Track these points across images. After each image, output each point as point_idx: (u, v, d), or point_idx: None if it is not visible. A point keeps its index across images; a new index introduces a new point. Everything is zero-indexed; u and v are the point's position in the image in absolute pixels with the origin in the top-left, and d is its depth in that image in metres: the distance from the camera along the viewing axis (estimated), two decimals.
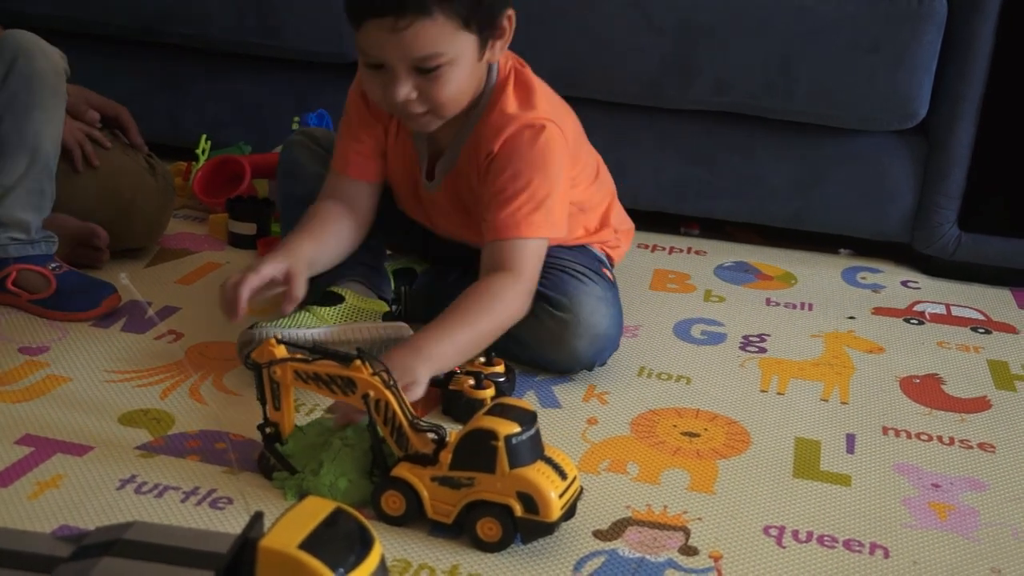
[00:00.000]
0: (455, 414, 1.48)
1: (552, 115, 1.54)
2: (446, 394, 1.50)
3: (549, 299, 1.59)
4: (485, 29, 1.44)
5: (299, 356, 1.27)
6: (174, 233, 2.11)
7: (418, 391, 1.36)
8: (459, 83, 1.45)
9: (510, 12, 1.48)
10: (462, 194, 1.60)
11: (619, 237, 1.80)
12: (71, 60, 1.77)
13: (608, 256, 1.77)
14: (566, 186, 1.57)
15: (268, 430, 1.30)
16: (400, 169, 1.65)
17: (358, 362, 1.24)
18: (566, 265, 1.63)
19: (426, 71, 1.41)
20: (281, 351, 1.28)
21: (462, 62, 1.43)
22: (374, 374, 1.23)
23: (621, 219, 1.81)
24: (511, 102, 1.53)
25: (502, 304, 1.49)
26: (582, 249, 1.71)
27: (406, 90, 1.42)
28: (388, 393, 1.22)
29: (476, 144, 1.54)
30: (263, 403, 1.30)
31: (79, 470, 1.31)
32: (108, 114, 1.97)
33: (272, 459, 1.30)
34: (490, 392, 1.46)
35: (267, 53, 2.36)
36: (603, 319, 1.60)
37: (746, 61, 2.13)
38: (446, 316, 1.46)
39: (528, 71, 1.59)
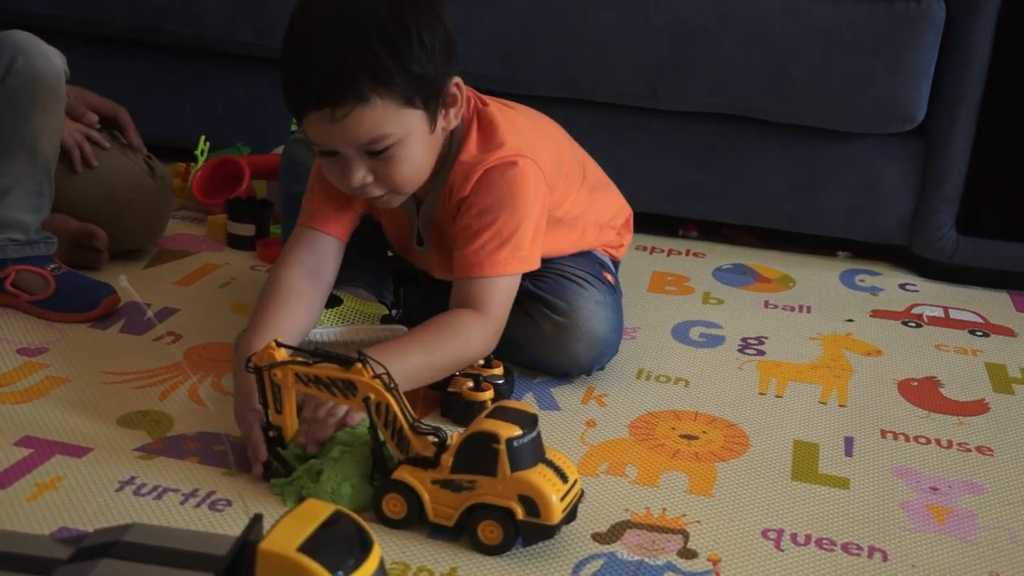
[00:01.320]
0: (454, 416, 1.48)
1: (521, 147, 1.50)
2: (445, 396, 1.50)
3: (547, 303, 1.59)
4: (431, 102, 1.39)
5: (300, 359, 1.27)
6: (173, 234, 2.11)
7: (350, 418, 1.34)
8: (414, 160, 1.41)
9: (456, 79, 1.44)
10: (448, 247, 1.56)
11: (621, 234, 1.81)
12: (69, 60, 1.77)
13: (612, 258, 1.77)
14: (541, 216, 1.52)
15: (271, 433, 1.30)
16: (394, 229, 1.65)
17: (359, 365, 1.24)
18: (565, 270, 1.63)
19: (377, 153, 1.38)
20: (282, 354, 1.28)
21: (412, 139, 1.39)
22: (375, 377, 1.23)
23: (619, 209, 1.80)
24: (474, 147, 1.50)
25: (464, 340, 1.46)
26: (584, 253, 1.71)
27: (360, 175, 1.40)
28: (389, 396, 1.22)
29: (448, 194, 1.52)
30: (265, 407, 1.30)
31: (78, 472, 1.30)
32: (106, 114, 1.97)
33: (275, 463, 1.30)
34: (489, 394, 1.47)
35: (265, 53, 2.35)
36: (601, 324, 1.60)
37: (743, 64, 2.13)
38: (405, 339, 1.45)
39: (491, 108, 1.54)
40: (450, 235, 1.55)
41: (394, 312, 1.68)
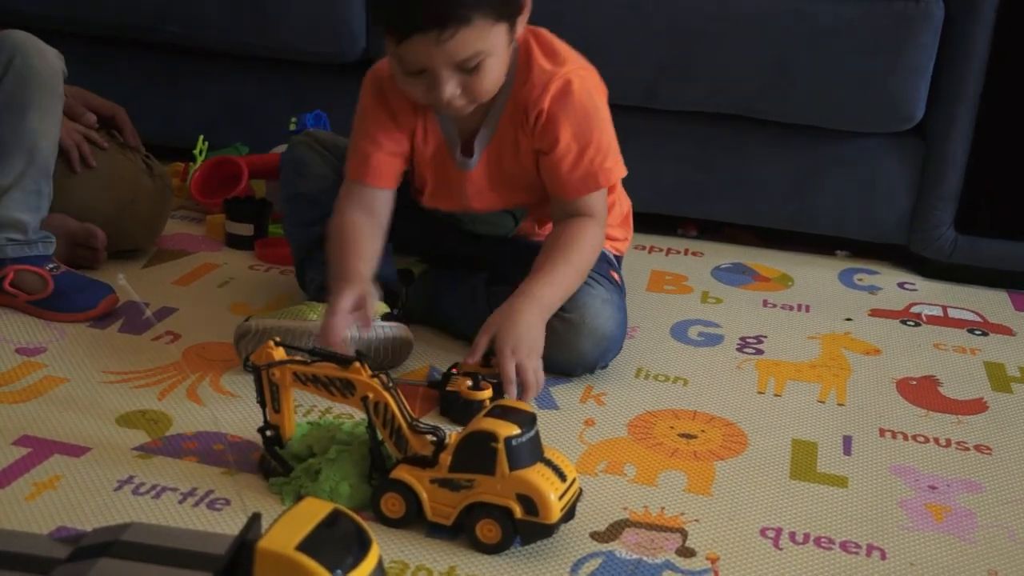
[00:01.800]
0: (453, 415, 1.48)
1: (583, 63, 1.61)
2: (443, 395, 1.50)
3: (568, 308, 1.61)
4: (514, 15, 1.49)
5: (298, 358, 1.27)
6: (171, 234, 2.11)
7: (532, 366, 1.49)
8: (496, 71, 1.49)
9: None
10: (503, 164, 1.63)
11: (624, 229, 1.83)
12: (67, 60, 1.77)
13: (616, 254, 1.78)
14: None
15: (268, 432, 1.30)
16: (432, 163, 1.66)
17: (357, 364, 1.24)
18: None
19: (468, 69, 1.45)
20: (280, 353, 1.28)
21: (498, 51, 1.48)
22: (373, 376, 1.23)
23: (621, 202, 1.82)
24: (543, 60, 1.58)
25: (591, 246, 1.61)
26: None
27: (450, 89, 1.46)
28: (387, 395, 1.23)
29: (519, 108, 1.58)
30: (263, 405, 1.30)
31: (77, 471, 1.30)
32: (104, 114, 1.97)
33: (273, 462, 1.30)
34: (487, 393, 1.47)
35: (264, 53, 2.36)
36: (608, 321, 1.61)
37: (743, 64, 2.13)
38: (543, 263, 1.57)
39: (541, 30, 1.62)
40: (514, 152, 1.61)
41: (395, 311, 1.68)
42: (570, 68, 1.58)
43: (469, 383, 1.47)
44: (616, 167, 1.63)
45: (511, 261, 1.69)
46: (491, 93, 1.52)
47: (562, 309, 1.59)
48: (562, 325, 1.60)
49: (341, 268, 1.53)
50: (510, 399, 1.43)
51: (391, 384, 1.24)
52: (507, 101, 1.59)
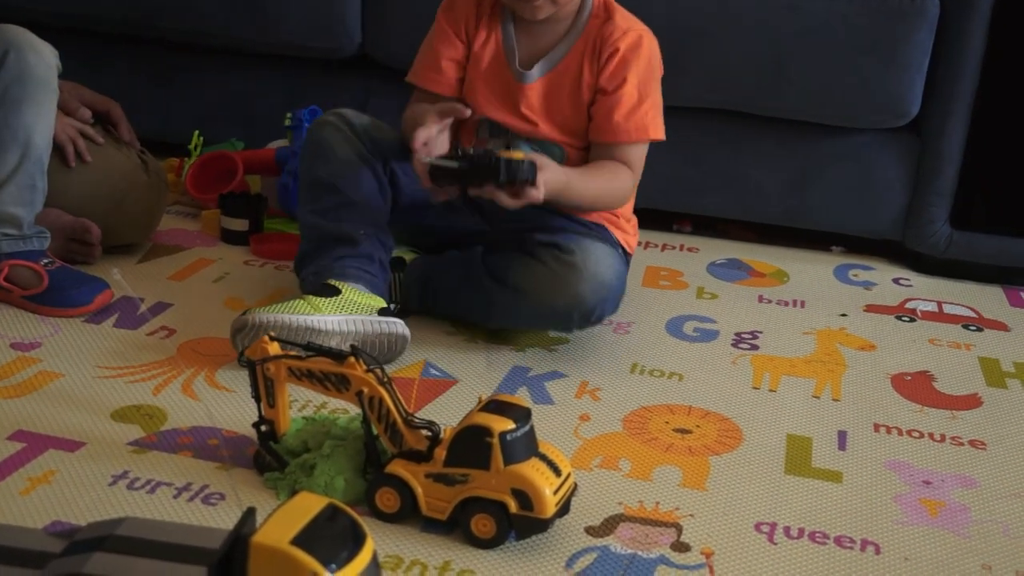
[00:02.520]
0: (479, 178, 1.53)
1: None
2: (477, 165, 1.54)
3: (559, 245, 1.65)
4: None
5: (292, 353, 1.27)
6: (167, 229, 2.11)
7: (536, 194, 1.54)
8: None
9: None
10: (563, 90, 1.71)
11: (633, 225, 1.85)
12: (62, 55, 1.77)
13: (622, 244, 1.80)
14: None
15: (263, 428, 1.30)
16: (488, 71, 1.74)
17: (352, 359, 1.24)
18: (580, 228, 1.71)
19: None
20: (275, 348, 1.28)
21: None
22: (368, 371, 1.23)
23: (630, 207, 1.85)
24: (620, 12, 1.71)
25: (621, 187, 1.71)
26: (599, 226, 1.76)
27: None
28: (382, 390, 1.23)
29: (594, 43, 1.69)
30: (257, 401, 1.30)
31: (71, 466, 1.30)
32: (99, 109, 1.96)
33: (267, 457, 1.30)
34: (521, 155, 1.54)
35: (259, 49, 2.36)
36: (608, 269, 1.65)
37: (739, 60, 2.13)
38: (585, 169, 1.68)
39: None
40: (575, 82, 1.70)
41: (392, 307, 1.68)
42: (644, 28, 1.71)
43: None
44: (660, 127, 1.72)
45: (510, 234, 1.71)
46: (571, 1, 1.65)
47: (565, 251, 1.63)
48: (562, 268, 1.63)
49: (422, 110, 1.66)
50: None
51: (386, 379, 1.24)
52: (579, 37, 1.70)
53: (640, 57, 1.68)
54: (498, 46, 1.74)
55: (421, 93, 1.76)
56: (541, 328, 1.73)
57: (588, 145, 1.73)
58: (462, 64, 1.75)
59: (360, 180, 1.70)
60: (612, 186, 1.70)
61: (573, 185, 1.62)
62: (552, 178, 1.56)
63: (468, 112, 1.68)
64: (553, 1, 1.64)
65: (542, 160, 1.57)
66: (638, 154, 1.71)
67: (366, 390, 1.23)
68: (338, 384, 1.25)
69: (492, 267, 1.69)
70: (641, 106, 1.68)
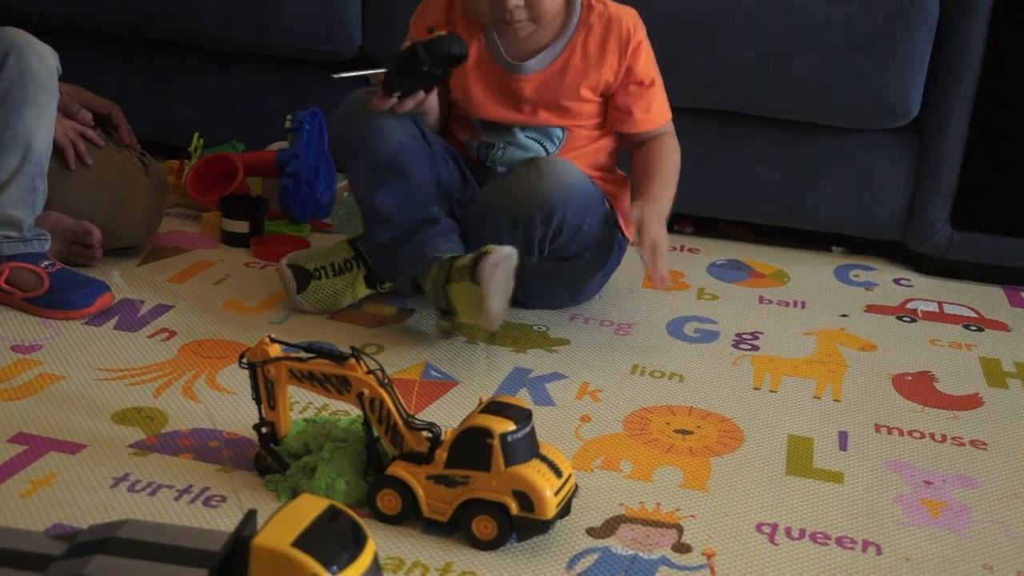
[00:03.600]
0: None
1: None
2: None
3: (530, 158, 1.73)
4: None
5: (293, 356, 1.27)
6: (167, 231, 2.11)
7: (661, 264, 1.69)
8: None
9: None
10: (567, 78, 1.75)
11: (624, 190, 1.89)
12: (62, 57, 1.77)
13: (612, 204, 1.82)
14: None
15: (264, 429, 1.30)
16: (475, 70, 1.76)
17: (352, 361, 1.24)
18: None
19: None
20: (275, 350, 1.28)
21: None
22: (368, 372, 1.23)
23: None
24: (617, 4, 1.77)
25: (674, 149, 1.83)
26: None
27: (515, 0, 1.63)
28: (383, 391, 1.22)
29: (604, 38, 1.74)
30: (258, 402, 1.30)
31: (72, 468, 1.30)
32: (100, 112, 1.96)
33: (268, 458, 1.30)
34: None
35: (259, 51, 2.36)
36: (573, 174, 1.69)
37: (738, 60, 2.13)
38: (652, 177, 1.77)
39: None
40: (576, 77, 1.75)
41: (380, 287, 1.75)
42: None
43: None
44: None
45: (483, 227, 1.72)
46: (550, 15, 1.69)
47: (535, 159, 1.70)
48: (527, 169, 1.69)
49: None
50: (647, 266, 1.69)
51: (387, 380, 1.24)
52: (577, 27, 1.75)
53: (647, 49, 1.77)
54: (481, 49, 1.77)
55: None
56: (511, 234, 1.66)
57: (594, 124, 1.80)
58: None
59: (416, 157, 1.71)
60: (674, 159, 1.82)
61: (662, 198, 1.74)
62: (656, 213, 1.70)
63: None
64: (533, 20, 1.68)
65: (642, 208, 1.69)
66: (670, 124, 1.85)
67: (367, 392, 1.23)
68: (339, 386, 1.25)
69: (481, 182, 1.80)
70: (662, 91, 1.81)
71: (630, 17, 1.77)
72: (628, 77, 1.76)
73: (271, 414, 1.30)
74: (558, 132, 1.78)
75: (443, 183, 1.75)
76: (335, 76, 1.60)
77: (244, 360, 1.29)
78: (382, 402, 1.23)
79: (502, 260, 1.56)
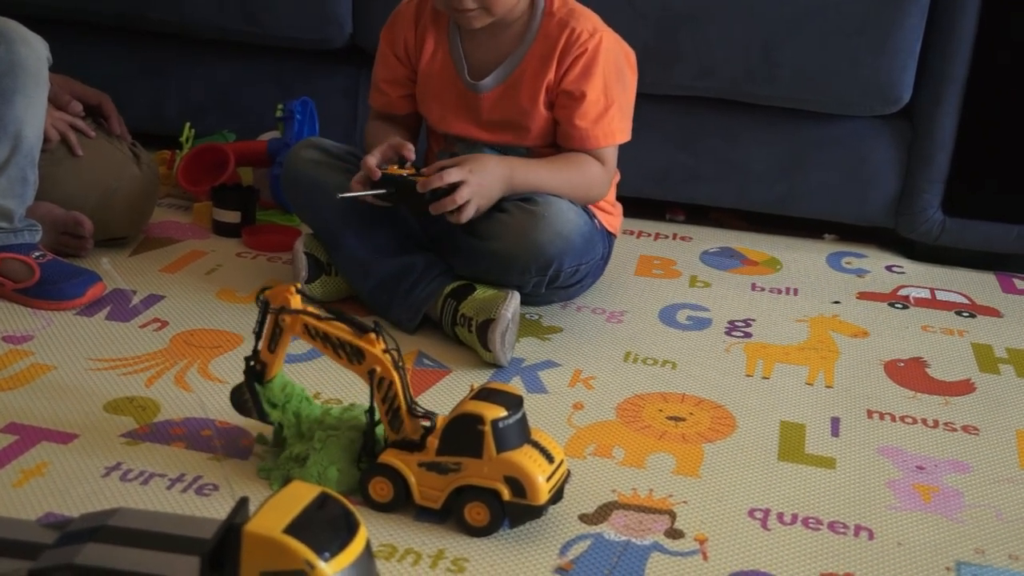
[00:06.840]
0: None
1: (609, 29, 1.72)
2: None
3: (526, 199, 1.66)
4: None
5: (311, 310, 1.26)
6: (158, 221, 2.11)
7: (460, 215, 1.58)
8: None
9: None
10: (521, 95, 1.70)
11: (617, 209, 1.86)
12: (52, 47, 1.76)
13: (609, 232, 1.81)
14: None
15: (254, 364, 1.29)
16: (438, 81, 1.75)
17: (373, 335, 1.22)
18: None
19: None
20: (297, 301, 1.26)
21: None
22: (386, 351, 1.22)
23: (612, 194, 1.86)
24: (579, 13, 1.69)
25: (591, 171, 1.71)
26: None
27: None
28: (395, 374, 1.21)
29: (556, 43, 1.66)
30: (257, 338, 1.28)
31: (64, 458, 1.30)
32: (90, 102, 1.96)
33: (247, 395, 1.29)
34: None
35: (250, 40, 2.35)
36: (569, 224, 1.64)
37: (729, 46, 2.13)
38: (550, 160, 1.69)
39: None
40: (533, 89, 1.69)
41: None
42: (606, 30, 1.69)
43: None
44: (627, 130, 1.73)
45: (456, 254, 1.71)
46: (505, 8, 1.62)
47: (530, 203, 1.64)
48: (524, 215, 1.63)
49: (375, 140, 1.70)
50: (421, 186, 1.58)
51: (401, 364, 1.23)
52: (535, 40, 1.68)
53: (608, 60, 1.67)
54: (446, 58, 1.74)
55: (383, 116, 1.83)
56: (503, 279, 1.66)
57: (555, 144, 1.73)
58: (404, 82, 1.79)
59: (364, 207, 1.67)
60: (577, 172, 1.70)
61: (520, 173, 1.64)
62: (491, 173, 1.60)
63: (412, 155, 1.63)
64: (487, 10, 1.61)
65: (477, 157, 1.62)
66: (608, 155, 1.73)
67: (379, 369, 1.21)
68: (351, 355, 1.23)
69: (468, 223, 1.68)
70: (608, 111, 1.68)
71: (586, 23, 1.68)
72: (560, 86, 1.68)
73: (268, 356, 1.28)
74: (522, 151, 1.74)
75: (400, 219, 1.73)
76: (339, 197, 1.60)
77: (261, 298, 1.27)
78: (391, 383, 1.21)
79: (510, 322, 1.58)
